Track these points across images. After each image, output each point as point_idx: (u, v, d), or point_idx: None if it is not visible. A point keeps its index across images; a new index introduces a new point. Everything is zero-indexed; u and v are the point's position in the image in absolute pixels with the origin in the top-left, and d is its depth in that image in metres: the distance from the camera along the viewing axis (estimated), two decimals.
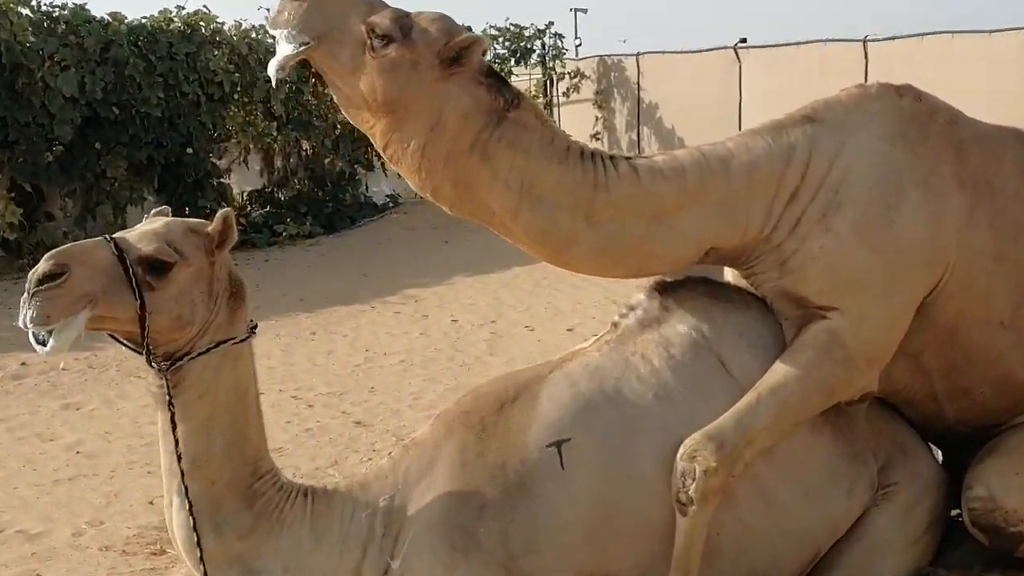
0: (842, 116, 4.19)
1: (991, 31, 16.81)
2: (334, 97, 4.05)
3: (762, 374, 4.04)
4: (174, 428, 3.74)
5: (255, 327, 3.96)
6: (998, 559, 4.45)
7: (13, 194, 15.80)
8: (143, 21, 17.62)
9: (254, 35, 19.32)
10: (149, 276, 3.57)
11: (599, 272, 4.32)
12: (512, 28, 24.65)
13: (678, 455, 3.90)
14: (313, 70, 5.06)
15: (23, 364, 10.30)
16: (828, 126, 4.15)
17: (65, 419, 8.85)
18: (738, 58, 20.58)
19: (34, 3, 16.26)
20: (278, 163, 21.17)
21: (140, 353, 3.66)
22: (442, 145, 3.86)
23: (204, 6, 18.55)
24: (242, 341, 3.85)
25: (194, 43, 17.78)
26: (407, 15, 3.88)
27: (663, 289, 4.34)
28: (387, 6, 3.92)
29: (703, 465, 3.85)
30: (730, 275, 4.53)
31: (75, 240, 13.60)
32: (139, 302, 3.53)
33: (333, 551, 3.96)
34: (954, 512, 4.56)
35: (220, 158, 19.44)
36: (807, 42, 19.48)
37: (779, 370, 3.99)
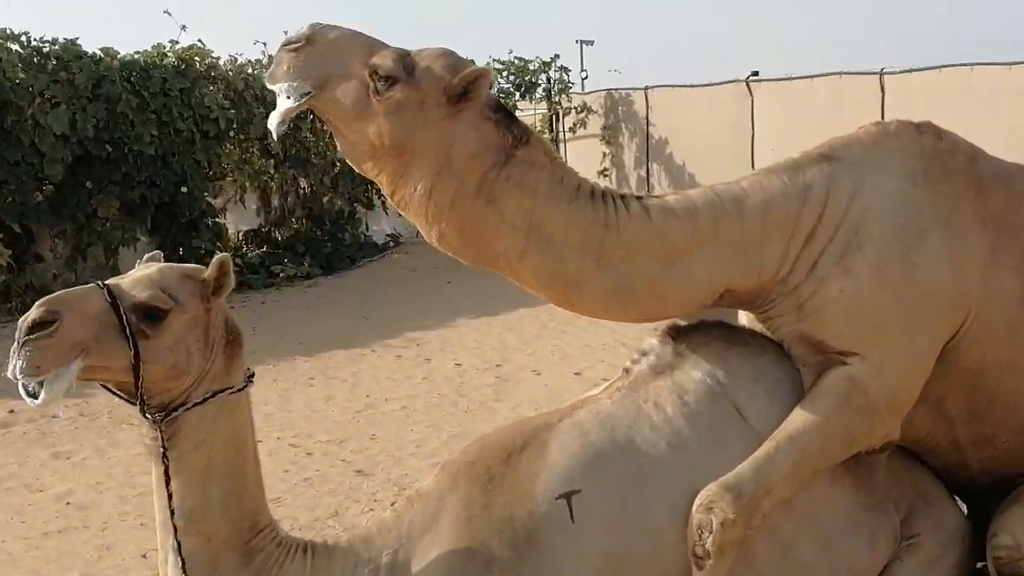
0: (861, 154, 4.18)
1: (1011, 63, 16.87)
2: (339, 146, 4.04)
3: (779, 421, 4.02)
4: (168, 481, 3.70)
5: (252, 376, 3.93)
6: None
7: (1, 235, 15.78)
8: (136, 56, 17.66)
9: (250, 70, 19.41)
10: (143, 324, 3.55)
11: (610, 316, 4.30)
12: (516, 61, 24.70)
13: (694, 506, 3.87)
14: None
15: (11, 412, 10.29)
16: (846, 164, 4.14)
17: (55, 469, 8.84)
18: (750, 92, 20.64)
19: (24, 38, 16.28)
20: (275, 202, 21.22)
21: (133, 404, 3.64)
22: (449, 187, 3.85)
23: (199, 40, 18.55)
24: (239, 390, 3.83)
25: (188, 79, 17.82)
26: (408, 54, 3.88)
27: (676, 333, 4.33)
28: (387, 46, 3.92)
29: (720, 517, 3.82)
30: (745, 319, 4.52)
31: (65, 282, 13.72)
32: (133, 351, 3.51)
33: None
34: (979, 564, 4.52)
35: (215, 197, 19.48)
36: (822, 75, 19.54)
37: (798, 418, 3.97)
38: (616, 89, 24.52)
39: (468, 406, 10.18)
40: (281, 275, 18.65)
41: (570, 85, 25.43)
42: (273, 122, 3.88)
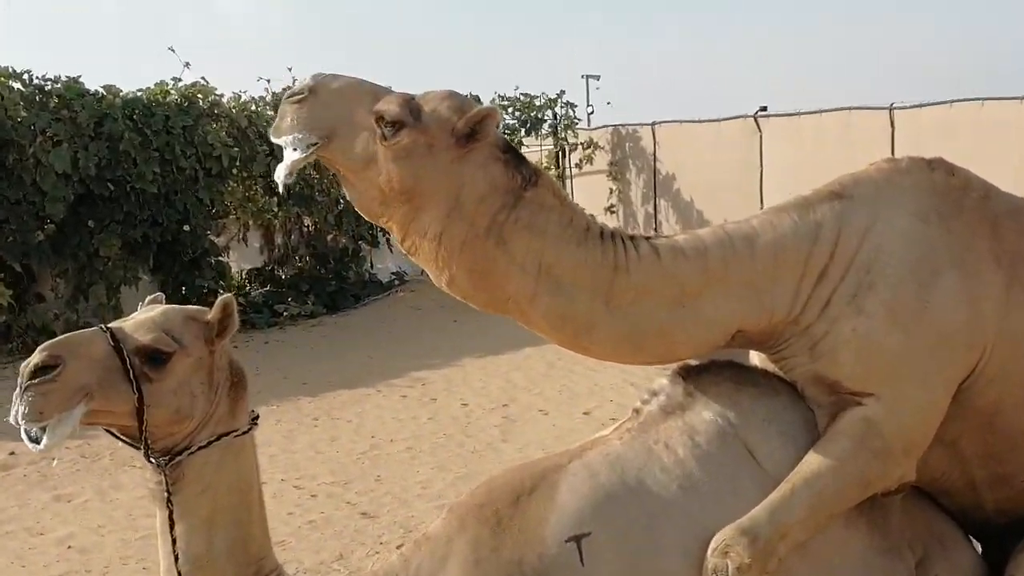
0: (872, 192, 4.18)
1: (1022, 97, 16.87)
2: (348, 195, 4.04)
3: (792, 463, 4.01)
4: (173, 527, 3.69)
5: (256, 418, 3.93)
6: None
7: (2, 275, 15.82)
8: (139, 94, 17.74)
9: (254, 107, 19.49)
10: (147, 367, 3.55)
11: (621, 359, 4.29)
12: (522, 97, 24.80)
13: (709, 550, 3.85)
14: None
15: (12, 454, 10.29)
16: (857, 202, 4.14)
17: (56, 512, 8.83)
18: (758, 127, 20.68)
19: (25, 77, 16.35)
20: (279, 240, 21.26)
21: (137, 448, 3.63)
22: (459, 231, 3.85)
23: (202, 78, 18.60)
24: (244, 433, 3.82)
25: (191, 116, 17.87)
26: (413, 98, 3.90)
27: (687, 373, 4.32)
28: (392, 91, 3.93)
29: (736, 561, 3.80)
30: (757, 359, 4.51)
31: (66, 322, 13.74)
32: (137, 395, 3.51)
33: None
34: None
35: (218, 235, 19.53)
36: (831, 110, 19.56)
37: (813, 460, 3.96)
38: (623, 125, 24.59)
39: (475, 447, 10.17)
40: (285, 314, 18.67)
41: (576, 121, 25.51)
42: (280, 175, 3.88)
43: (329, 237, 21.31)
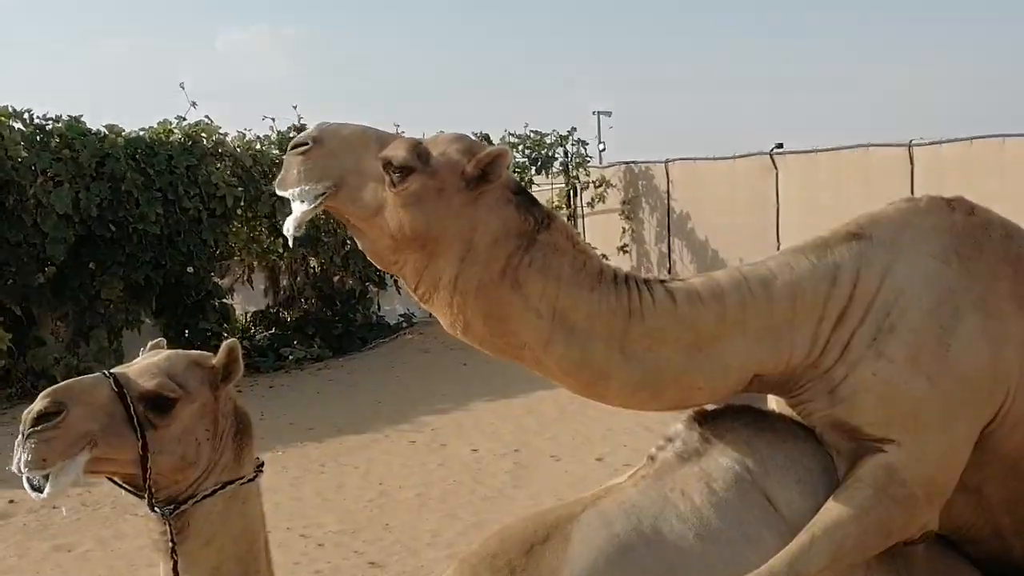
0: (891, 232, 4.18)
1: None
2: (359, 244, 4.05)
3: (811, 511, 4.00)
4: None
5: (262, 465, 3.94)
6: None
7: (2, 318, 15.85)
8: (141, 133, 17.78)
9: (258, 146, 19.54)
10: (151, 414, 3.56)
11: (637, 406, 4.29)
12: (532, 135, 24.81)
13: None
14: None
15: (11, 502, 10.28)
16: (876, 243, 4.14)
17: (57, 562, 8.82)
18: (774, 165, 20.69)
19: (26, 116, 16.39)
20: (284, 282, 21.28)
21: (141, 497, 3.64)
22: (473, 275, 3.86)
23: (206, 116, 18.65)
24: (250, 481, 3.83)
25: (195, 155, 17.91)
26: (421, 142, 3.91)
27: (703, 419, 4.32)
28: (398, 137, 3.95)
29: None
30: (775, 403, 4.50)
31: (67, 366, 13.73)
32: (141, 442, 3.52)
33: None
34: None
35: (222, 277, 19.55)
36: (848, 147, 19.55)
37: (833, 509, 3.94)
38: (635, 162, 24.62)
39: (485, 494, 10.15)
40: (290, 358, 18.65)
41: (588, 159, 25.52)
42: (289, 228, 3.89)
43: (336, 278, 21.33)
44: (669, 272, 22.55)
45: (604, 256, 4.15)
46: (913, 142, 18.34)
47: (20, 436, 3.39)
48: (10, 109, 16.12)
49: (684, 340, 4.00)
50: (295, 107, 21.48)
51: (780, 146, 20.98)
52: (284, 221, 3.90)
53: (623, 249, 24.08)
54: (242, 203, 18.75)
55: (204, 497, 3.69)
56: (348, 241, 20.09)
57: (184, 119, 18.42)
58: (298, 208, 3.85)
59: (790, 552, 3.90)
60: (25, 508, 10.15)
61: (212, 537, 3.71)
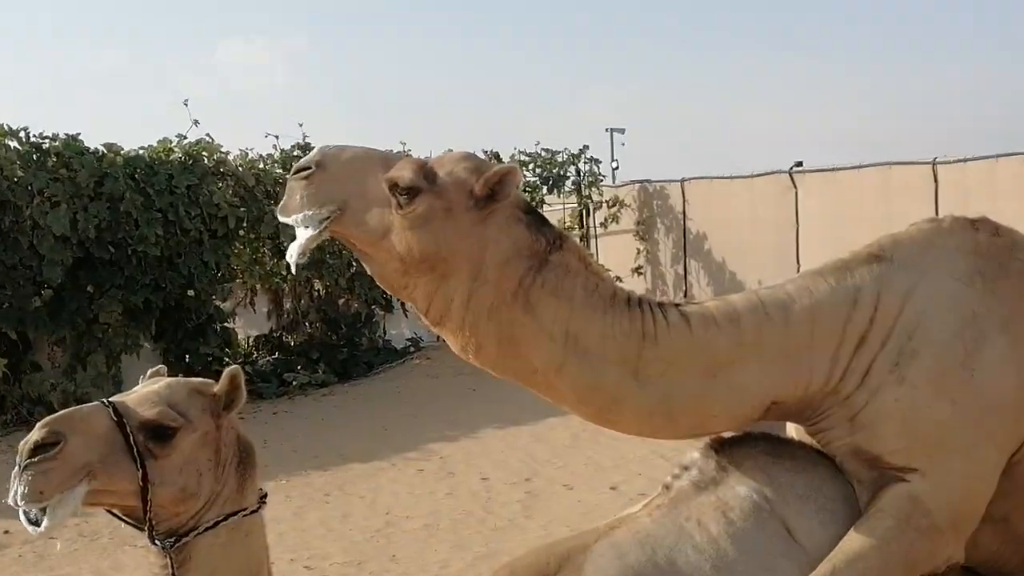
0: (913, 254, 4.19)
1: None
2: (368, 270, 4.07)
3: (832, 541, 4.00)
4: None
5: (265, 496, 3.94)
6: None
7: None
8: (141, 152, 17.72)
9: (261, 165, 19.50)
10: (151, 444, 3.57)
11: (651, 434, 4.30)
12: (543, 153, 24.70)
13: None
14: None
15: (6, 532, 10.28)
16: (898, 265, 4.15)
17: None
18: (794, 183, 20.64)
19: (22, 134, 16.34)
20: (287, 305, 21.25)
21: (141, 529, 3.65)
22: (485, 296, 3.87)
23: (207, 134, 18.60)
24: (253, 512, 3.83)
25: (196, 175, 17.84)
26: (426, 162, 3.93)
27: (719, 446, 4.32)
28: (403, 157, 3.97)
29: None
30: (793, 430, 4.51)
31: (64, 392, 13.71)
32: (141, 473, 3.53)
33: None
34: None
35: (224, 300, 19.50)
36: (870, 165, 19.49)
37: (855, 540, 3.94)
38: (650, 181, 24.54)
39: (496, 524, 10.13)
40: (294, 383, 18.62)
41: (601, 177, 25.45)
42: (293, 255, 3.91)
43: (341, 302, 21.30)
44: (685, 295, 22.52)
45: (618, 278, 4.16)
46: (937, 160, 18.26)
47: (16, 468, 3.40)
48: (6, 127, 16.12)
49: (699, 365, 4.01)
50: (300, 125, 21.43)
51: (799, 164, 20.92)
52: (287, 242, 3.92)
53: (638, 271, 24.03)
54: (244, 224, 18.71)
55: (206, 529, 3.69)
56: (353, 263, 20.01)
57: (185, 137, 18.36)
58: (302, 234, 3.87)
59: None
60: (21, 539, 10.14)
61: (214, 570, 3.71)
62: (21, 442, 3.43)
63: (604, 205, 24.98)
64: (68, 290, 16.60)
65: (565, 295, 3.93)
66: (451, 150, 4.21)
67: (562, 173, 24.85)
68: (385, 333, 21.94)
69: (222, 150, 18.76)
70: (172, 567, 3.66)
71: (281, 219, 3.98)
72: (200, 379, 3.93)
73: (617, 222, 24.78)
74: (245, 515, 3.79)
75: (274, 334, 20.94)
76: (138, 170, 17.29)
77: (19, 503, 3.39)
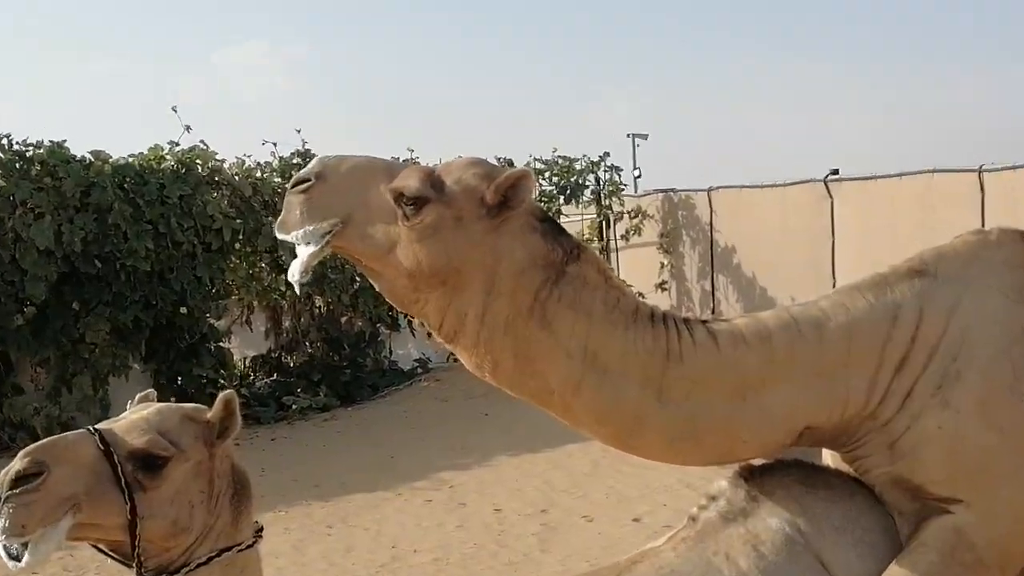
0: (957, 268, 4.17)
1: None
2: (376, 286, 4.07)
3: None
4: None
5: (261, 529, 3.93)
6: None
7: None
8: (130, 160, 17.77)
9: (259, 174, 19.52)
10: (140, 474, 3.56)
11: (675, 459, 4.29)
12: (561, 161, 24.65)
13: None
14: None
15: None
16: (941, 280, 4.13)
17: None
18: (829, 193, 20.58)
19: (4, 141, 16.42)
20: (286, 323, 21.27)
21: (129, 566, 3.64)
22: (501, 310, 3.87)
23: (201, 141, 18.59)
24: (248, 547, 3.83)
25: (189, 184, 17.86)
26: (434, 170, 3.93)
27: (749, 475, 4.31)
28: (408, 165, 3.97)
29: None
30: (829, 457, 4.49)
31: (48, 416, 13.74)
32: (129, 505, 3.52)
33: None
34: None
35: (219, 318, 19.50)
36: (911, 173, 19.40)
37: (896, 575, 3.93)
38: (675, 190, 24.47)
39: (510, 558, 10.13)
40: (293, 407, 18.64)
41: (622, 187, 25.37)
42: (295, 274, 3.91)
43: (343, 319, 21.31)
44: (712, 312, 22.46)
45: (640, 294, 4.15)
46: (984, 167, 18.16)
47: None
48: None
49: (727, 386, 4.00)
50: (299, 131, 21.40)
51: (835, 172, 20.81)
52: (286, 256, 3.92)
53: (662, 286, 23.96)
54: (241, 236, 18.73)
55: (198, 566, 3.68)
56: (357, 279, 20.01)
57: (177, 144, 18.38)
58: (303, 251, 3.86)
59: None
60: (2, 574, 10.13)
61: None
62: (2, 472, 3.43)
63: (626, 216, 24.88)
64: (52, 307, 16.63)
65: (583, 309, 3.92)
66: (460, 157, 4.21)
67: (580, 182, 24.75)
68: (391, 353, 21.93)
69: (217, 158, 18.78)
70: None
71: (280, 236, 3.97)
72: (193, 405, 3.92)
73: (640, 234, 24.70)
74: (240, 550, 3.78)
75: (272, 354, 20.96)
76: (127, 179, 17.32)
77: None
